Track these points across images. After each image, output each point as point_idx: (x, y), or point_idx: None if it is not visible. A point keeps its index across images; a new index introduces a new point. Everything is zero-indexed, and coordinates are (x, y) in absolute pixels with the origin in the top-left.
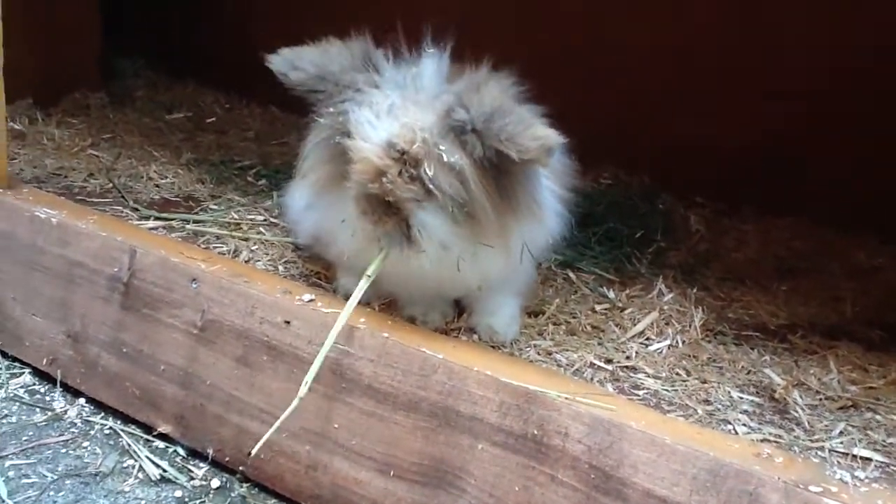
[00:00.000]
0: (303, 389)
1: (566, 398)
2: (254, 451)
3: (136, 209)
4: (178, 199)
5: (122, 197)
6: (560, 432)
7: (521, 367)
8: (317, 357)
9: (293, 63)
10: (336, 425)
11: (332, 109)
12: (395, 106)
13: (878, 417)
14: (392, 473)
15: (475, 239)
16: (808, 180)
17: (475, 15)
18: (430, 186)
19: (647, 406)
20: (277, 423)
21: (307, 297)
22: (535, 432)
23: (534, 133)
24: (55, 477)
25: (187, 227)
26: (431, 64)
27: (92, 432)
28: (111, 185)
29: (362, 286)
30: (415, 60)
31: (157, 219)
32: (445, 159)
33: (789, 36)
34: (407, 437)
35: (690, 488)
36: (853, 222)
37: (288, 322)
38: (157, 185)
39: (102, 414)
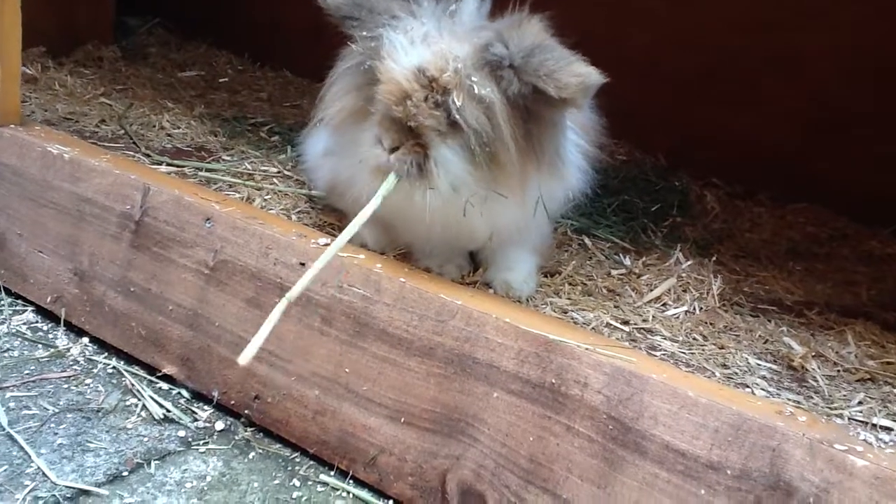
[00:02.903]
0: (294, 291)
1: (587, 348)
2: (242, 360)
3: (148, 155)
4: (189, 148)
5: (134, 143)
6: (579, 381)
7: (539, 317)
8: (316, 263)
9: None
10: (347, 370)
11: (365, 34)
12: (431, 34)
13: (895, 391)
14: (403, 420)
15: (491, 185)
16: (824, 169)
17: None
18: (457, 117)
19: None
20: (265, 330)
21: (322, 240)
22: (553, 381)
23: (575, 69)
24: (56, 410)
25: (200, 174)
26: (472, 1)
27: (95, 370)
28: (123, 131)
29: (371, 205)
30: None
31: (169, 165)
32: (476, 91)
33: (810, 29)
34: (420, 384)
35: (711, 442)
36: (866, 212)
37: (303, 264)
38: (170, 135)
39: (106, 353)
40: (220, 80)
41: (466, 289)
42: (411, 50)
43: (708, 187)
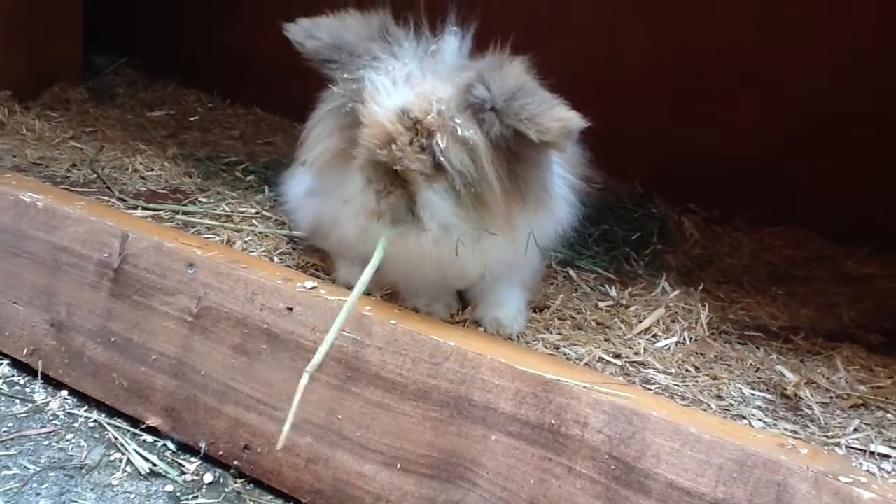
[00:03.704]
0: (316, 360)
1: (585, 387)
2: (280, 444)
3: (123, 199)
4: (164, 191)
5: (108, 187)
6: (579, 422)
7: (534, 356)
8: (332, 327)
9: (310, 32)
10: (340, 416)
11: (346, 76)
12: (413, 75)
13: (889, 416)
14: (399, 467)
15: (479, 224)
16: (798, 192)
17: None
18: (441, 159)
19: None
20: (294, 408)
21: (309, 283)
22: (553, 422)
23: (556, 114)
24: (38, 469)
25: (177, 217)
26: (454, 41)
27: (76, 425)
28: (95, 175)
29: (376, 258)
30: (435, 38)
31: (144, 209)
32: (460, 133)
33: (788, 53)
34: (416, 429)
35: (716, 479)
36: (841, 232)
37: (290, 308)
38: (143, 177)
39: (86, 406)
40: (191, 119)
41: (459, 329)
42: (394, 91)
43: (685, 213)
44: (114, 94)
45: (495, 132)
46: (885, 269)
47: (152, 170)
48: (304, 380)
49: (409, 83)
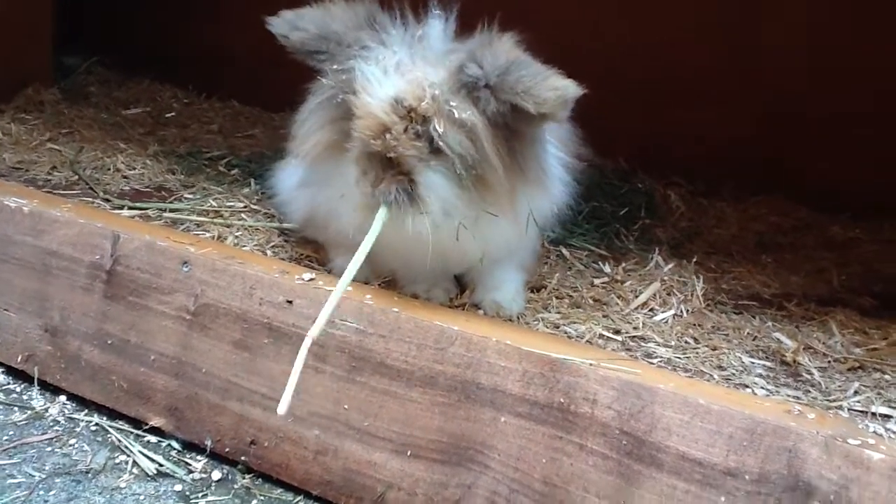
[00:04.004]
0: (318, 323)
1: (592, 364)
2: (281, 408)
3: (108, 199)
4: (149, 189)
5: (91, 188)
6: (588, 399)
7: (539, 336)
8: (335, 290)
9: (294, 24)
10: (346, 406)
11: (336, 67)
12: (403, 62)
13: (886, 377)
14: (409, 453)
15: (481, 205)
16: (779, 165)
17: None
18: (440, 144)
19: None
20: (295, 374)
21: (307, 276)
22: (562, 400)
23: (551, 84)
24: (43, 476)
25: (164, 215)
26: (438, 24)
27: (77, 429)
28: (77, 177)
29: (374, 230)
30: (420, 22)
31: (131, 208)
32: (457, 116)
33: (770, 31)
34: (424, 414)
35: (727, 448)
36: (826, 200)
37: (290, 301)
38: (126, 177)
39: (86, 410)
40: (168, 115)
41: (462, 313)
42: (385, 80)
43: (671, 186)
44: (87, 93)
45: (492, 109)
46: (869, 233)
47: (134, 168)
48: (307, 343)
49: (399, 71)
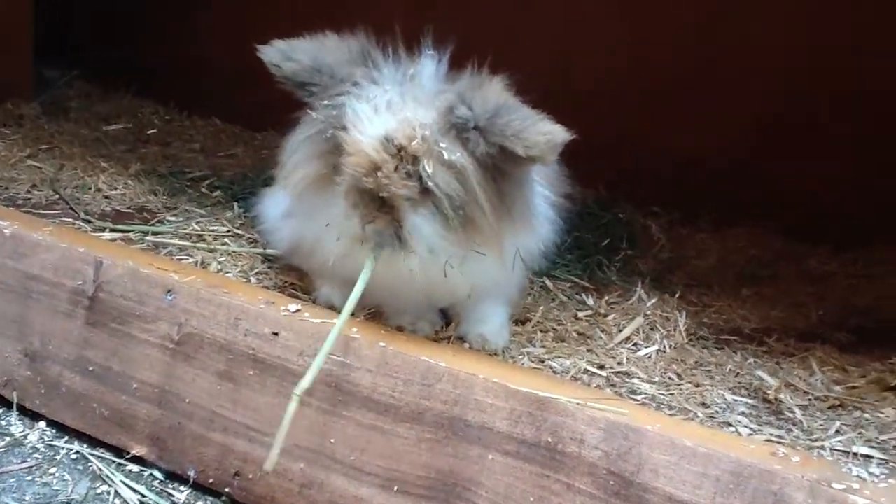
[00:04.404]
0: (304, 382)
1: (578, 404)
2: (268, 465)
3: (89, 220)
4: (130, 210)
5: (72, 209)
6: (575, 438)
7: (526, 373)
8: (321, 349)
9: (287, 54)
10: (333, 440)
11: (326, 102)
12: (394, 101)
13: (866, 416)
14: (396, 489)
15: (468, 244)
16: (759, 192)
17: None
18: (429, 185)
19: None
20: (283, 431)
21: (293, 307)
22: (549, 439)
23: (541, 129)
24: None
25: (147, 238)
26: (430, 63)
27: (57, 458)
28: (58, 196)
29: (362, 280)
30: (412, 61)
31: (112, 230)
32: (446, 157)
33: (746, 54)
34: (411, 450)
35: (714, 491)
36: (802, 231)
37: (276, 333)
38: (107, 197)
39: (67, 438)
40: (149, 132)
41: (448, 348)
42: (376, 119)
43: (650, 217)
44: (67, 107)
45: (481, 151)
46: (845, 266)
47: (116, 188)
48: (294, 403)
49: (390, 109)
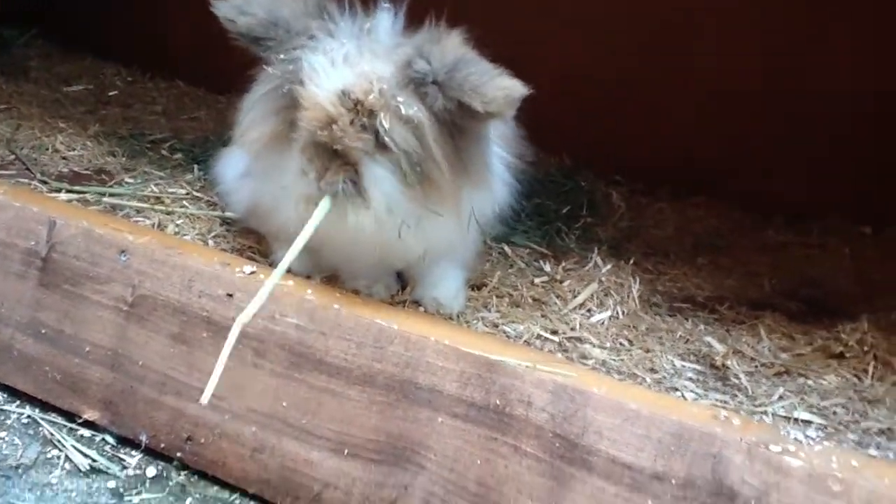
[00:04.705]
0: (249, 310)
1: (527, 366)
2: (204, 398)
3: (45, 181)
4: (88, 172)
5: (28, 169)
6: (523, 401)
7: (477, 336)
8: (259, 291)
9: (241, 8)
10: (285, 403)
11: (282, 57)
12: (351, 55)
13: (809, 382)
14: (346, 452)
15: (425, 203)
16: (714, 167)
17: None
18: (386, 139)
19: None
20: (222, 361)
21: (248, 268)
22: (498, 402)
23: (499, 83)
24: None
25: (104, 199)
26: (387, 17)
27: (8, 422)
28: (13, 156)
29: (306, 232)
30: (368, 15)
31: (69, 192)
32: (403, 112)
33: (706, 30)
34: (362, 413)
35: (655, 453)
36: (760, 202)
37: (231, 295)
38: (65, 158)
39: (18, 402)
40: (110, 94)
41: (402, 311)
42: (333, 72)
43: (612, 185)
44: (27, 67)
45: (438, 106)
46: (800, 236)
47: (74, 149)
48: (236, 329)
49: (347, 63)
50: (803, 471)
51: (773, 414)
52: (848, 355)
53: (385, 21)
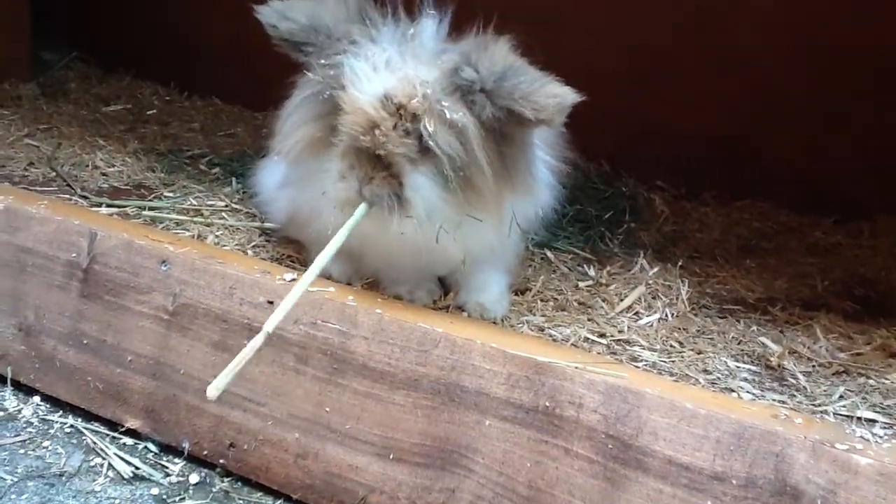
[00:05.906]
0: (275, 317)
1: (577, 367)
2: (210, 392)
3: (86, 197)
4: (128, 187)
5: (69, 185)
6: (574, 402)
7: (524, 339)
8: (305, 274)
9: (284, 13)
10: (328, 409)
11: (323, 62)
12: (394, 59)
13: (870, 382)
14: (392, 457)
15: (466, 208)
16: (763, 165)
17: None
18: (430, 143)
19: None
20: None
21: (288, 276)
22: (547, 404)
23: (550, 91)
24: (15, 479)
25: (143, 213)
26: (431, 24)
27: (51, 431)
28: (55, 173)
29: (339, 237)
30: (411, 21)
31: (109, 206)
32: (448, 116)
33: (745, 27)
34: (407, 417)
35: (714, 453)
36: (807, 204)
37: (271, 302)
38: (105, 174)
39: (61, 412)
40: (149, 113)
41: (446, 315)
42: (375, 77)
43: (654, 190)
44: (66, 89)
45: (487, 114)
46: (850, 237)
47: (113, 166)
48: (261, 337)
49: (389, 68)
50: (873, 469)
51: (834, 413)
52: None
53: (429, 27)
